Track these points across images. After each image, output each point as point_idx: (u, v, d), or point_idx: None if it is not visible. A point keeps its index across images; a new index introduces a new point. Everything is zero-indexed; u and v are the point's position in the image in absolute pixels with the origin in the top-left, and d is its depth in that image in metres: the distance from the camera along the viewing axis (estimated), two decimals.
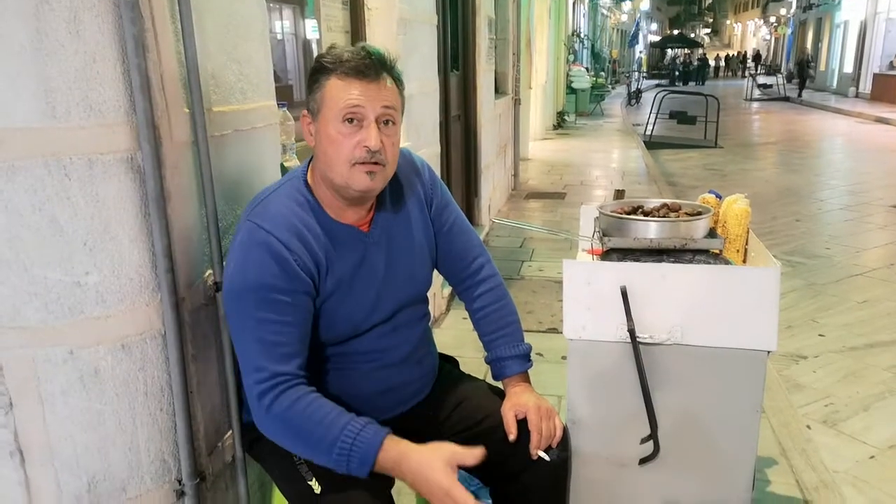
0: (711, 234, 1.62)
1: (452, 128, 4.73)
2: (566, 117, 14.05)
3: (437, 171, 2.86)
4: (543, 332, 3.44)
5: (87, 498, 1.26)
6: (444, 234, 1.49)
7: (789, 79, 26.15)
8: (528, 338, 1.56)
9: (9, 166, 1.11)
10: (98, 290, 1.20)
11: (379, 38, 2.81)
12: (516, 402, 1.42)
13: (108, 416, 1.25)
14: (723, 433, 1.48)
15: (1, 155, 1.10)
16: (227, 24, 1.46)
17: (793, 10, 35.51)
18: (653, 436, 1.48)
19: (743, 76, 35.04)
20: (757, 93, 23.28)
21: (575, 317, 1.48)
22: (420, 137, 3.25)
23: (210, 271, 1.41)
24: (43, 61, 1.09)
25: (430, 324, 1.55)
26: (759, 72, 33.01)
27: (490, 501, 1.55)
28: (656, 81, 31.10)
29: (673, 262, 1.53)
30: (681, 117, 12.61)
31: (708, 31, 72.73)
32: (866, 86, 20.48)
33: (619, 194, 1.96)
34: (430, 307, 1.77)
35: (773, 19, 43.16)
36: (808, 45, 29.03)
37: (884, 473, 2.35)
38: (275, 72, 1.73)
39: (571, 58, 15.81)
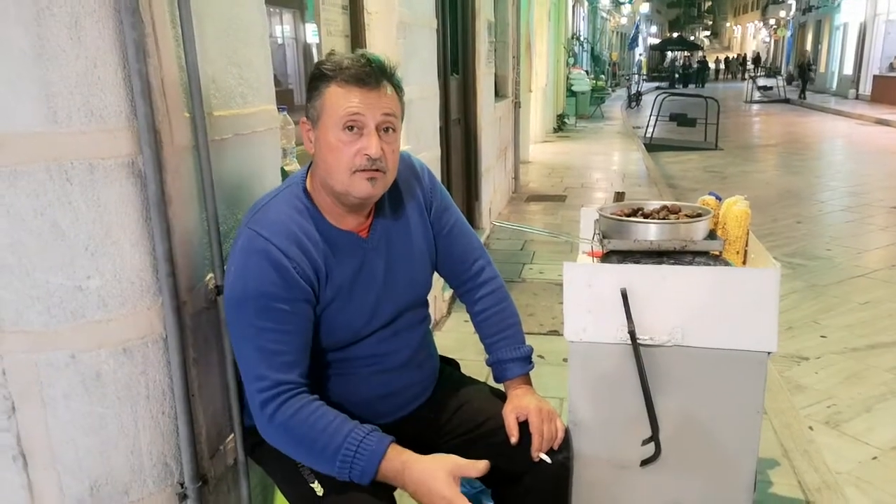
0: (711, 235, 1.62)
1: (453, 131, 4.73)
2: (566, 120, 14.06)
3: (438, 175, 2.87)
4: (544, 334, 3.44)
5: (90, 501, 1.26)
6: (443, 236, 1.49)
7: (789, 81, 26.17)
8: (530, 340, 1.56)
9: (10, 171, 1.11)
10: (100, 294, 1.20)
11: (379, 42, 2.81)
12: (517, 405, 1.42)
13: (110, 420, 1.25)
14: (724, 434, 1.48)
15: (3, 160, 1.11)
16: (227, 28, 1.47)
17: (792, 13, 35.54)
18: (654, 437, 1.48)
19: (743, 78, 35.07)
20: (757, 95, 23.29)
21: (575, 319, 1.48)
22: (420, 141, 3.25)
23: (211, 275, 1.41)
24: (44, 66, 1.10)
25: (430, 327, 1.55)
26: (758, 74, 33.02)
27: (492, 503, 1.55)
28: (656, 84, 31.10)
29: (673, 263, 1.53)
30: (681, 120, 12.61)
31: (707, 33, 72.86)
32: (866, 87, 20.49)
33: (620, 196, 1.96)
34: (432, 310, 1.78)
35: (772, 22, 43.20)
36: (808, 47, 29.02)
37: (886, 474, 2.34)
38: (275, 76, 1.74)
39: (571, 61, 15.82)
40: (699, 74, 33.49)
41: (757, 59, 42.45)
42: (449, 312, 3.76)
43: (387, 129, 1.26)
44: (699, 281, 1.43)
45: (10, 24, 1.07)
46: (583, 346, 1.49)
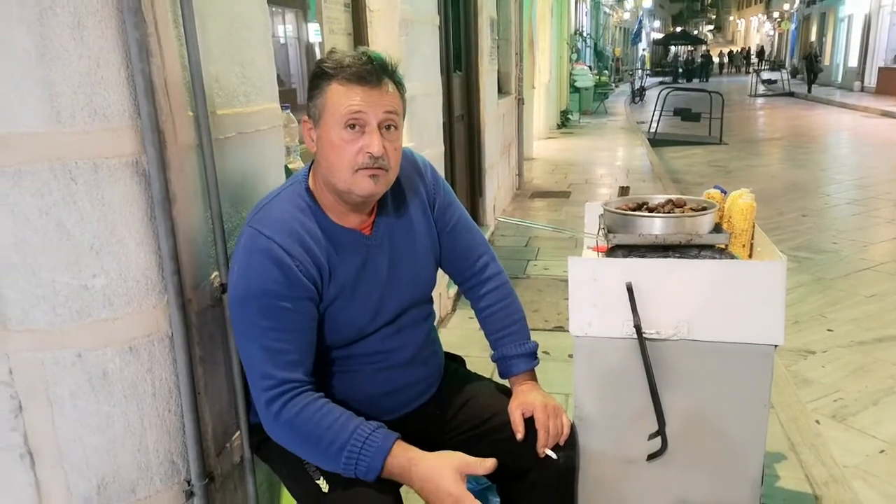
0: (717, 229, 1.62)
1: (456, 128, 4.73)
2: (570, 116, 14.02)
3: (441, 172, 2.86)
4: (549, 330, 3.44)
5: (97, 500, 1.26)
6: (447, 233, 1.49)
7: (794, 74, 26.02)
8: (535, 336, 1.56)
9: (15, 171, 1.11)
10: (105, 292, 1.21)
11: (381, 39, 2.81)
12: (523, 401, 1.42)
13: (117, 418, 1.25)
14: (731, 428, 1.48)
15: (7, 159, 1.11)
16: (229, 27, 1.47)
17: (796, 5, 35.35)
18: (660, 432, 1.47)
19: (747, 72, 34.91)
20: (761, 89, 23.19)
21: (581, 314, 1.48)
22: (423, 138, 3.25)
23: (216, 273, 1.41)
24: (47, 66, 1.10)
25: (435, 323, 1.55)
26: (762, 68, 32.87)
27: (498, 499, 1.55)
28: (660, 79, 31.02)
29: (679, 257, 1.53)
30: (685, 114, 12.56)
31: (711, 27, 72.55)
32: (871, 80, 20.37)
33: (624, 191, 1.95)
34: (436, 307, 1.78)
35: (776, 15, 43.01)
36: (813, 39, 28.88)
37: (894, 467, 2.33)
38: (278, 75, 1.74)
39: (574, 56, 15.78)
40: (703, 69, 33.34)
41: (761, 53, 42.27)
42: (454, 309, 3.76)
43: (389, 127, 1.26)
44: (705, 274, 1.42)
45: (13, 25, 1.08)
46: (588, 341, 1.49)
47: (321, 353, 1.32)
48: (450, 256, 1.51)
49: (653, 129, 11.55)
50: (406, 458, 1.21)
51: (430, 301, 1.52)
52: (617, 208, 1.65)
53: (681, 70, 34.00)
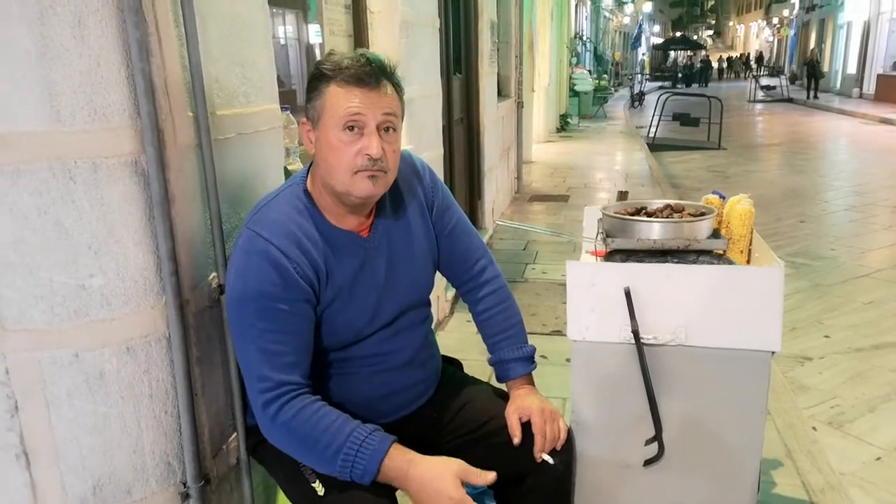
0: (715, 234, 1.62)
1: (455, 131, 4.73)
2: (569, 120, 14.04)
3: (441, 174, 2.86)
4: (547, 334, 3.43)
5: (93, 500, 1.26)
6: (445, 236, 1.49)
7: (793, 80, 26.07)
8: (532, 340, 1.55)
9: (14, 170, 1.11)
10: (103, 292, 1.20)
11: (381, 41, 2.81)
12: (520, 405, 1.42)
13: (114, 419, 1.25)
14: (728, 434, 1.48)
15: (6, 158, 1.11)
16: (230, 28, 1.47)
17: (795, 11, 35.46)
18: (657, 437, 1.47)
19: (746, 78, 34.99)
20: (760, 94, 23.24)
21: (578, 318, 1.48)
22: (423, 140, 3.25)
23: (214, 274, 1.41)
24: (48, 65, 1.10)
25: (433, 327, 1.55)
26: (761, 73, 32.95)
27: None
28: (659, 83, 31.06)
29: (677, 262, 1.53)
30: (684, 119, 12.60)
31: (710, 32, 72.69)
32: (870, 87, 20.40)
33: (623, 196, 1.96)
34: (434, 310, 1.78)
35: (775, 21, 43.11)
36: (812, 46, 28.96)
37: (890, 475, 2.33)
38: (278, 76, 1.74)
39: (574, 60, 15.81)
40: (702, 74, 33.42)
41: (760, 59, 42.36)
42: (452, 312, 3.75)
43: (387, 129, 1.26)
44: (703, 280, 1.42)
45: (14, 24, 1.07)
46: (586, 346, 1.49)
47: (318, 355, 1.32)
48: (448, 259, 1.51)
49: (652, 134, 11.56)
50: (404, 460, 1.21)
51: (428, 304, 1.52)
52: (615, 213, 1.65)
53: (680, 75, 34.08)
